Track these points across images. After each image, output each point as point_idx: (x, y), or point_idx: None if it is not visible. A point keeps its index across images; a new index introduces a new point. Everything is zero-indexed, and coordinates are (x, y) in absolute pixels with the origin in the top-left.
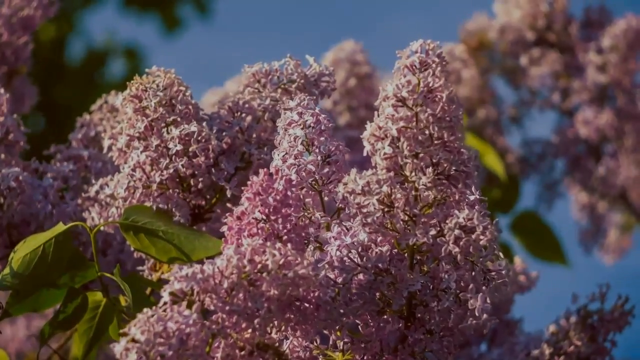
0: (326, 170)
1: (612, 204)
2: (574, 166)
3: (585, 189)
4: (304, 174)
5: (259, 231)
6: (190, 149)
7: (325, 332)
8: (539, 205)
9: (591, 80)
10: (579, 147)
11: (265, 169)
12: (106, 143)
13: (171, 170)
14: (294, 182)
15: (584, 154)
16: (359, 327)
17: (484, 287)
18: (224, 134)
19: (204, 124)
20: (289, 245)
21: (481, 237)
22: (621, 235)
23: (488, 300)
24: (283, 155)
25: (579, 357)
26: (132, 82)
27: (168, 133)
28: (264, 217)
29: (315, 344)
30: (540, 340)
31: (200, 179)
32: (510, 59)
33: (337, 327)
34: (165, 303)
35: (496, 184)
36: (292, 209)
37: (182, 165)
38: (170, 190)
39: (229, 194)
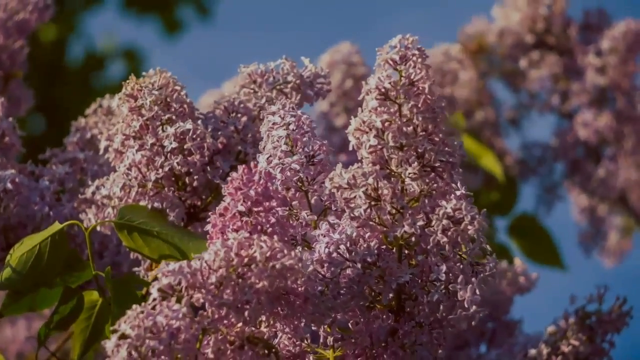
0: (311, 169)
1: (612, 207)
2: (574, 169)
3: (584, 192)
4: (288, 173)
5: (243, 225)
6: (185, 147)
7: (315, 329)
8: (538, 208)
9: (590, 82)
10: (579, 150)
11: (244, 165)
12: (103, 144)
13: (166, 168)
14: (273, 175)
15: (583, 157)
16: (349, 323)
17: (473, 279)
18: (219, 133)
19: (199, 122)
20: (275, 237)
21: (469, 227)
22: (621, 239)
23: (477, 292)
24: (267, 157)
25: (577, 357)
26: (127, 81)
27: (163, 131)
28: (247, 211)
29: (306, 342)
30: (539, 341)
31: (195, 177)
32: (509, 62)
33: (326, 322)
34: (154, 299)
35: (494, 186)
36: (274, 202)
37: (178, 163)
38: (166, 189)
39: (224, 192)
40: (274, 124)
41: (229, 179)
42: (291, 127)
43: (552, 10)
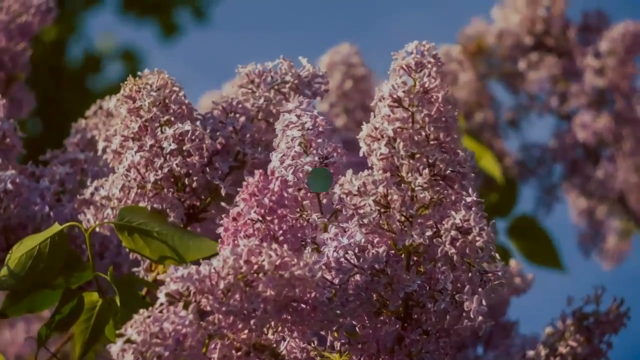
0: None
1: (611, 209)
2: (573, 170)
3: (583, 194)
4: (300, 174)
5: (255, 232)
6: (184, 148)
7: (322, 333)
8: (538, 209)
9: (589, 84)
10: (577, 151)
11: (261, 170)
12: (100, 145)
13: (165, 170)
14: (289, 183)
15: (582, 158)
16: (356, 328)
17: (480, 289)
18: (217, 133)
19: (198, 123)
20: (285, 246)
21: (477, 238)
22: (620, 241)
23: (484, 303)
24: (281, 157)
25: (574, 358)
26: (125, 83)
27: (162, 133)
28: (260, 218)
29: (312, 345)
30: (536, 342)
31: (194, 178)
32: (508, 63)
33: (334, 328)
34: (161, 304)
35: (494, 187)
36: (288, 209)
37: (177, 165)
38: (165, 190)
39: (223, 192)
40: (289, 122)
41: (244, 183)
42: (307, 126)
43: (551, 11)
